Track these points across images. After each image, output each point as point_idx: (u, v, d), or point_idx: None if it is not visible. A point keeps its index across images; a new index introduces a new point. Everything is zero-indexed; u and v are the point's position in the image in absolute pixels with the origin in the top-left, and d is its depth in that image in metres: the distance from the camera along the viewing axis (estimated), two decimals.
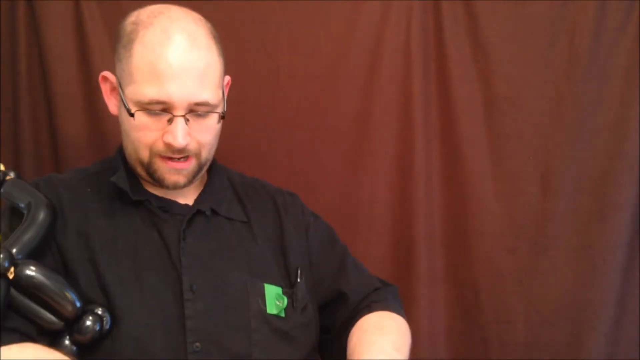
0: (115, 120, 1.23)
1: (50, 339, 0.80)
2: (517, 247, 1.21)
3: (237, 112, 1.21)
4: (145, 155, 0.87)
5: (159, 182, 0.89)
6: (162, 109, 0.84)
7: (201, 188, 0.96)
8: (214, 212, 0.93)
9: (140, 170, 0.90)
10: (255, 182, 1.04)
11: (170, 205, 0.92)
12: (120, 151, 0.96)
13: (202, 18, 0.89)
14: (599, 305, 1.19)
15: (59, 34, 1.20)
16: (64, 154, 1.22)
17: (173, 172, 0.88)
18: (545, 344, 1.21)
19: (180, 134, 0.84)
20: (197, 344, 0.82)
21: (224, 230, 0.93)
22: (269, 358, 0.85)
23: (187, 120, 0.84)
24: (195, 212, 0.91)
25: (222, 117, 0.89)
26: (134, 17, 0.87)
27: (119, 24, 0.89)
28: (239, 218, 0.95)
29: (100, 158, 1.02)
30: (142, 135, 0.86)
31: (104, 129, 1.21)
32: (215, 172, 0.99)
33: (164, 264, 0.86)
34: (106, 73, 0.92)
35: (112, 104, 0.93)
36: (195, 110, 0.85)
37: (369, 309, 0.95)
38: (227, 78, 0.95)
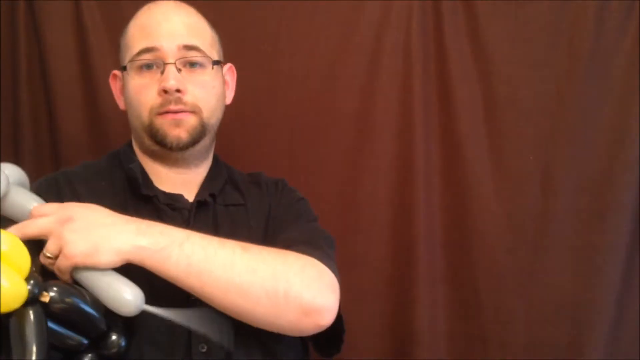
0: (115, 120, 1.23)
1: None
2: (517, 247, 1.21)
3: (237, 112, 1.21)
4: (146, 117, 0.89)
5: (163, 142, 0.89)
6: (153, 59, 0.88)
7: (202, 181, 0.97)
8: (212, 196, 0.93)
9: (147, 141, 0.91)
10: (250, 178, 1.03)
11: (177, 200, 0.92)
12: (127, 148, 0.97)
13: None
14: (599, 305, 1.18)
15: (59, 34, 1.20)
16: (64, 154, 1.22)
17: (172, 125, 0.88)
18: (545, 344, 1.21)
19: (171, 76, 0.86)
20: (204, 344, 0.80)
21: (222, 217, 0.92)
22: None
23: (179, 70, 0.87)
24: (197, 204, 0.91)
25: (216, 62, 0.92)
26: None
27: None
28: (236, 202, 0.95)
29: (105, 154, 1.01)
30: (141, 95, 0.89)
31: (104, 129, 1.21)
32: (215, 165, 1.00)
33: None
34: (115, 71, 0.96)
35: (121, 101, 0.96)
36: (187, 58, 0.88)
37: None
38: (229, 64, 1.00)
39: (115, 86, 0.97)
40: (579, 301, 1.19)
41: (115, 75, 0.97)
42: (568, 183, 1.19)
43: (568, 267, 1.20)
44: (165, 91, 0.86)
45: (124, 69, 0.92)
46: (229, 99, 1.00)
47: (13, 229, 0.72)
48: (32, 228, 0.72)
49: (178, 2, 0.93)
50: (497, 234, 1.21)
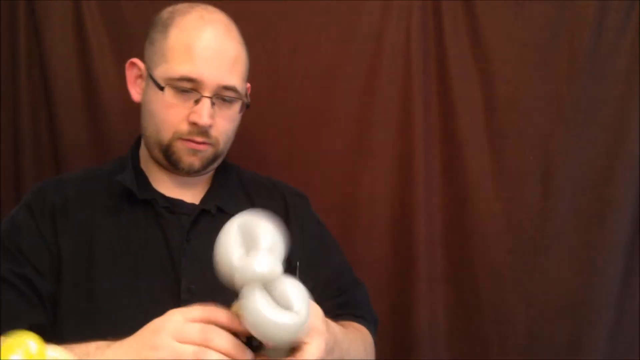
0: (115, 120, 1.23)
1: None
2: (517, 247, 1.21)
3: None
4: (167, 137, 0.89)
5: (175, 165, 0.90)
6: (191, 87, 0.87)
7: (209, 185, 0.97)
8: (220, 210, 0.93)
9: (157, 153, 0.91)
10: (267, 181, 1.04)
11: (176, 205, 0.92)
12: (133, 149, 0.97)
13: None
14: (599, 305, 1.19)
15: (59, 34, 1.19)
16: (64, 154, 1.21)
17: (190, 153, 0.90)
18: (545, 344, 1.21)
19: (206, 112, 0.86)
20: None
21: None
22: None
23: (213, 103, 0.88)
24: (199, 211, 0.91)
25: (247, 106, 0.94)
26: (170, 7, 0.92)
27: (154, 16, 0.93)
28: None
29: (102, 158, 1.02)
30: (168, 114, 0.88)
31: (104, 129, 1.21)
32: (224, 169, 1.00)
33: (164, 265, 0.86)
34: (135, 60, 0.94)
35: (135, 91, 0.95)
36: (222, 95, 0.88)
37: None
38: (248, 84, 0.98)
39: (131, 74, 0.95)
40: (579, 301, 1.19)
41: (133, 64, 0.94)
42: (568, 183, 1.19)
43: (568, 267, 1.20)
44: (196, 124, 0.87)
45: (149, 75, 0.90)
46: None
47: None
48: None
49: (228, 24, 0.92)
50: (497, 234, 1.21)
